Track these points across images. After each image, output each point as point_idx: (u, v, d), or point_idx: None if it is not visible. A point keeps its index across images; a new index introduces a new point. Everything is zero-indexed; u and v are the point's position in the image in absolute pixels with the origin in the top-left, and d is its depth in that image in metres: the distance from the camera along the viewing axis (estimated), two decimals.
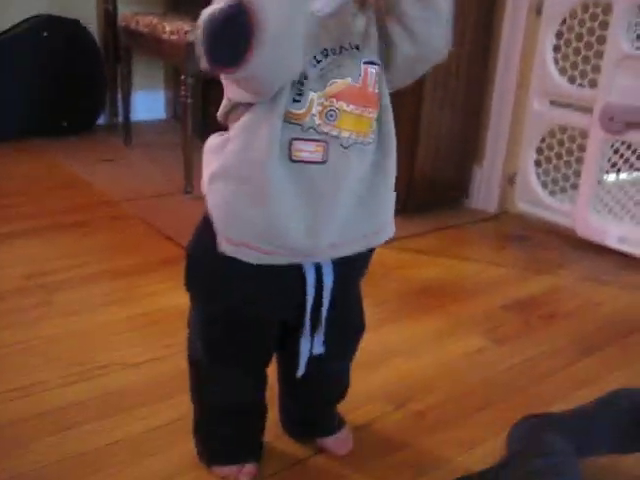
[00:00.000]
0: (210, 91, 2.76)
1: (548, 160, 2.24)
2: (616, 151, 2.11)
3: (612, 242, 2.06)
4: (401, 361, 1.41)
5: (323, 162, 0.82)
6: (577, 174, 2.16)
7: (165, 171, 2.50)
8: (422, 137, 2.13)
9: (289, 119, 0.80)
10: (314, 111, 0.80)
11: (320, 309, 0.93)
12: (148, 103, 3.26)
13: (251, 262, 0.86)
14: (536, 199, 2.26)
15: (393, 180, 0.91)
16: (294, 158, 0.81)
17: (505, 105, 2.26)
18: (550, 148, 2.23)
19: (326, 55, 0.81)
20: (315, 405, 1.12)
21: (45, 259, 1.75)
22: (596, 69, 2.06)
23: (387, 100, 0.88)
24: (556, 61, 2.15)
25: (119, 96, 2.97)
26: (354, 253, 0.90)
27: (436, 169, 2.23)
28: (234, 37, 0.71)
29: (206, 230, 0.88)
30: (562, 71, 2.15)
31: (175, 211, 2.07)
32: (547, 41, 2.14)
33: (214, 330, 0.97)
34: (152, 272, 1.70)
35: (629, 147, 2.11)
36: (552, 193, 2.25)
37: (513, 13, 2.19)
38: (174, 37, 2.18)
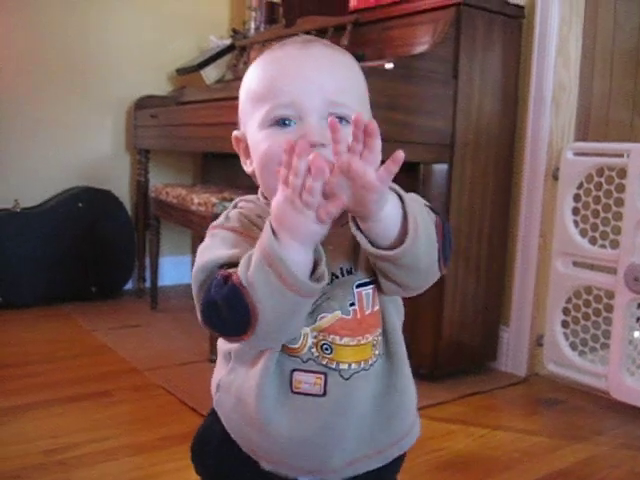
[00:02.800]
0: None
1: (575, 321, 2.21)
2: None
3: None
4: None
5: (323, 395, 0.78)
6: (606, 334, 2.12)
7: (190, 337, 2.51)
8: (447, 302, 2.13)
9: (288, 352, 0.78)
10: (309, 344, 0.77)
11: None
12: (175, 268, 3.34)
13: (263, 467, 0.82)
14: (566, 361, 2.20)
15: (410, 386, 0.86)
16: (295, 390, 0.78)
17: (529, 267, 2.28)
18: (576, 309, 2.21)
19: None
20: None
21: (66, 432, 1.72)
22: (616, 230, 2.08)
23: (392, 310, 0.83)
24: (576, 223, 2.18)
25: (147, 262, 3.05)
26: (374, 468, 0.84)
27: (462, 333, 2.21)
28: (231, 322, 0.71)
29: (213, 422, 0.86)
30: (583, 233, 2.17)
31: (199, 380, 2.04)
32: (565, 204, 2.18)
33: None
34: (174, 447, 1.65)
35: None
36: (582, 354, 2.20)
37: (530, 178, 2.25)
38: (202, 208, 2.26)
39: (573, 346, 2.21)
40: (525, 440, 1.81)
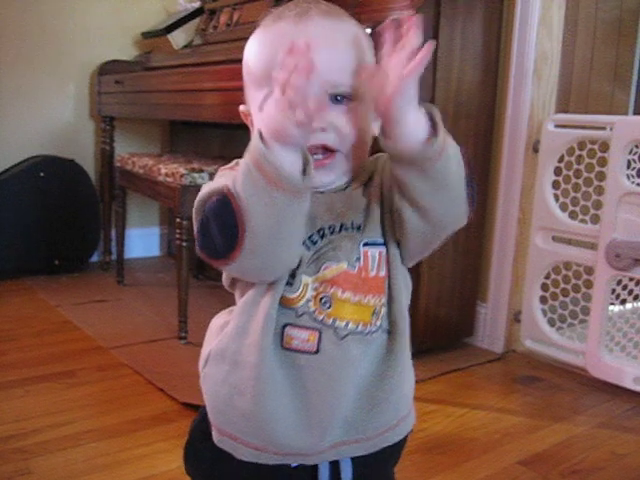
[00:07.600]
0: None
1: (554, 297, 2.17)
2: (624, 287, 2.05)
3: (628, 383, 1.96)
4: None
5: (315, 352, 0.74)
6: (585, 311, 2.09)
7: (159, 313, 2.42)
8: (423, 278, 2.07)
9: (283, 303, 0.74)
10: (308, 296, 0.74)
11: None
12: (143, 240, 3.23)
13: (240, 458, 0.77)
14: (544, 337, 2.17)
15: (409, 368, 0.82)
16: (286, 346, 0.74)
17: (507, 242, 2.22)
18: (555, 284, 2.16)
19: (323, 235, 0.74)
20: None
21: (27, 417, 1.63)
22: (597, 205, 2.03)
23: (400, 282, 0.78)
24: (556, 197, 2.13)
25: (113, 234, 2.94)
26: (368, 452, 0.80)
27: (439, 309, 2.15)
28: (220, 234, 0.69)
29: (205, 418, 0.81)
30: (563, 207, 2.12)
31: (168, 359, 1.97)
32: (546, 178, 2.13)
33: None
34: (141, 431, 1.58)
35: (638, 283, 2.06)
36: (560, 330, 2.17)
37: (510, 151, 2.19)
38: (169, 179, 2.15)
39: (551, 322, 2.18)
40: (504, 420, 1.77)
